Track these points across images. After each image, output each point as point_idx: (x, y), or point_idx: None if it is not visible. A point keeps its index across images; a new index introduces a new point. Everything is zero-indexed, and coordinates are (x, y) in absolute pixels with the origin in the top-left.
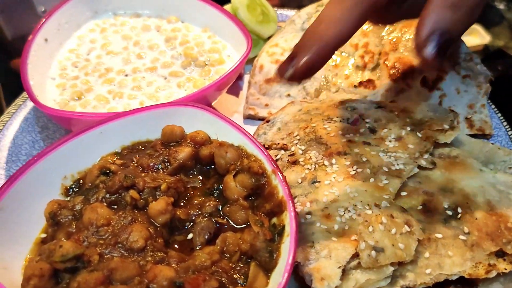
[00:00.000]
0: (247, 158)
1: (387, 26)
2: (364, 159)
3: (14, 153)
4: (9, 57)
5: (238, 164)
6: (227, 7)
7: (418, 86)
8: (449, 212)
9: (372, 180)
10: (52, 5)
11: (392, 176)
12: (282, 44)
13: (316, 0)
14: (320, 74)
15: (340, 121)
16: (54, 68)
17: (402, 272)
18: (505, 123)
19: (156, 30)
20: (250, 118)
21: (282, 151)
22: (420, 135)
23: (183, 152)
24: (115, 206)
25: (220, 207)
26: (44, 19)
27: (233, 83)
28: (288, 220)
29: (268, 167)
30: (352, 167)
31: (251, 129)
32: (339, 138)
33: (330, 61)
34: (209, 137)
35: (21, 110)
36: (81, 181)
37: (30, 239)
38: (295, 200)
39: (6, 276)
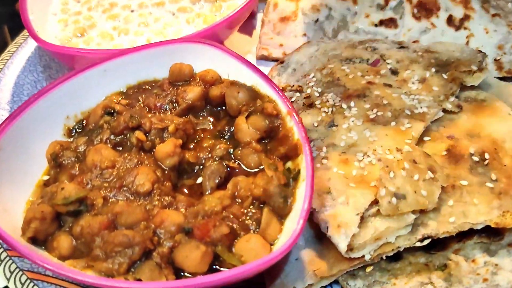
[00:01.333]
0: (260, 98)
1: None
2: (385, 102)
3: (16, 93)
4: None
5: (250, 105)
6: None
7: (443, 26)
8: (476, 158)
9: (393, 123)
10: None
11: (415, 119)
12: None
13: None
14: (337, 13)
15: (360, 62)
16: (55, 3)
17: (424, 221)
18: None
19: None
20: (263, 58)
21: (297, 94)
22: (445, 77)
23: (192, 92)
24: (120, 148)
25: (232, 150)
26: None
27: (245, 22)
28: (304, 164)
29: (283, 108)
30: (372, 110)
31: (264, 70)
32: (358, 80)
33: None
34: (219, 76)
35: (22, 48)
36: (84, 122)
37: (32, 181)
38: (311, 145)
39: (6, 219)
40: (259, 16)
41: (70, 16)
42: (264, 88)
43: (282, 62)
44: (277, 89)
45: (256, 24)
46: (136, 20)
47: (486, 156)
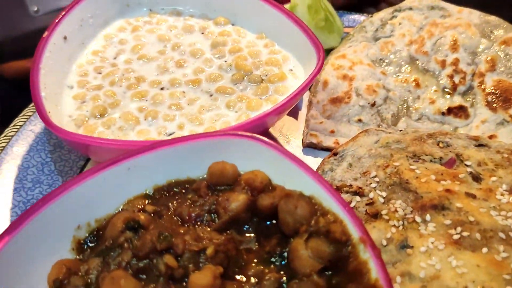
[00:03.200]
0: (323, 216)
1: (482, 39)
2: (471, 219)
3: (18, 179)
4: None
5: (312, 224)
6: (286, 6)
7: None
8: None
9: (485, 250)
10: (45, 4)
11: (511, 246)
12: (350, 55)
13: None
14: (398, 96)
15: (431, 161)
16: (72, 73)
17: None
18: None
19: (200, 32)
20: (311, 146)
21: (357, 197)
22: None
23: (237, 201)
24: (144, 276)
25: (285, 281)
26: (64, 12)
27: None
28: None
29: (355, 232)
30: (455, 228)
31: (313, 161)
32: (433, 186)
33: (410, 79)
34: (270, 180)
35: (30, 122)
36: (100, 232)
37: None
38: None
39: None
40: (306, 94)
41: (89, 90)
42: (326, 200)
43: (335, 154)
44: (345, 205)
45: (302, 104)
46: (167, 100)
47: None
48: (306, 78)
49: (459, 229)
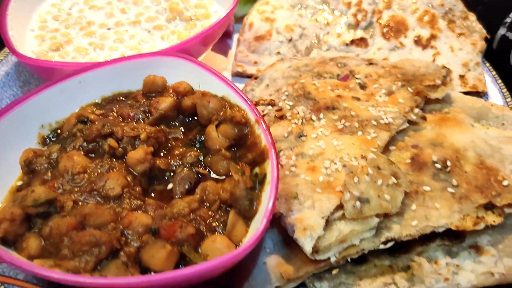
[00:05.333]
0: (230, 108)
1: None
2: (353, 113)
3: None
4: None
5: (221, 114)
6: None
7: (411, 45)
8: (438, 166)
9: (360, 133)
10: None
11: (380, 129)
12: (273, 2)
13: None
14: (311, 32)
15: (330, 77)
16: (34, 19)
17: (388, 224)
18: (499, 81)
19: None
20: (238, 75)
21: (269, 107)
22: (411, 90)
23: (165, 102)
24: (93, 155)
25: (202, 157)
26: None
27: (222, 42)
28: (270, 168)
29: (252, 116)
30: (340, 121)
31: (239, 86)
32: (328, 93)
33: (322, 19)
34: (192, 88)
35: (2, 65)
36: (58, 131)
37: (6, 187)
38: (280, 154)
39: None
40: (235, 37)
41: (48, 32)
42: (234, 98)
43: (256, 78)
44: (246, 99)
45: (232, 45)
46: (112, 37)
47: (448, 163)
48: (224, 14)
49: (343, 121)
